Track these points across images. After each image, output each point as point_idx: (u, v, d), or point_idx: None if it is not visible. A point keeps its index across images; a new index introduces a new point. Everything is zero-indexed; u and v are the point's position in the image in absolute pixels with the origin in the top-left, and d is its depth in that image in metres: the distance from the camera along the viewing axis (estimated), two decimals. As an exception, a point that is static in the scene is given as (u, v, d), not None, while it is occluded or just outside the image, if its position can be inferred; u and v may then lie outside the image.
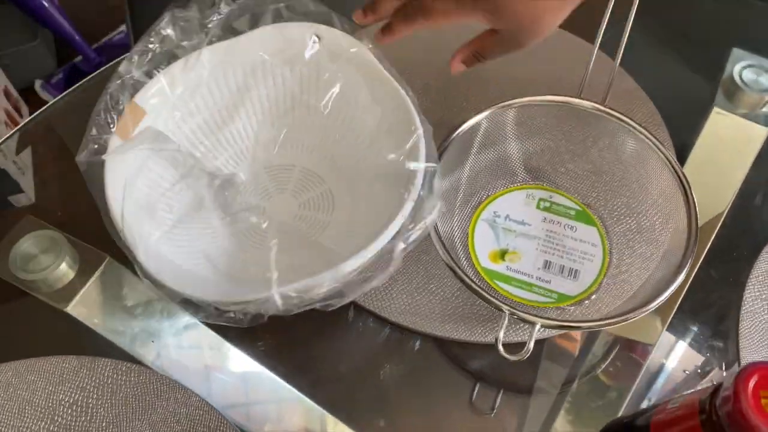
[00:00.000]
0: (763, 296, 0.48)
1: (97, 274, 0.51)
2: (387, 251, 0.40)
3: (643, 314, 0.41)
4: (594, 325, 0.41)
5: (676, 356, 0.49)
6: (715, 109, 0.60)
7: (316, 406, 0.46)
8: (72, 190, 0.57)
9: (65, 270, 0.50)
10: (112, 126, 0.45)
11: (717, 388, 0.25)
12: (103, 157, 0.41)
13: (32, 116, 0.60)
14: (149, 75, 0.47)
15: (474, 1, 0.41)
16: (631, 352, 0.50)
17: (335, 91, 0.50)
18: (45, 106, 0.60)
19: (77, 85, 0.61)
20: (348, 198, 0.50)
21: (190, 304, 0.42)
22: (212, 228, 0.44)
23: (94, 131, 0.42)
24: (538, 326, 0.40)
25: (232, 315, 0.42)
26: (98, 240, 0.52)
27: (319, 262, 0.39)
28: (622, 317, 0.41)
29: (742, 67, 0.61)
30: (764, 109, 0.60)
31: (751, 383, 0.23)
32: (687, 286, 0.50)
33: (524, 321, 0.41)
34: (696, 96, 0.63)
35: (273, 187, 0.52)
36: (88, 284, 0.51)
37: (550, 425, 0.46)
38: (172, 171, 0.44)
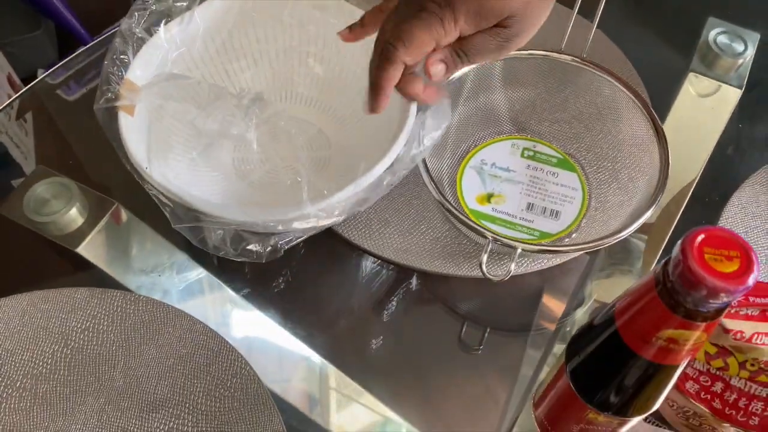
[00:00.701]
0: (733, 236, 0.52)
1: (105, 219, 0.54)
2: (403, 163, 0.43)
3: (615, 240, 0.44)
4: (571, 249, 0.45)
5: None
6: (692, 73, 0.64)
7: (313, 352, 0.48)
8: (76, 149, 0.60)
9: (75, 215, 0.53)
10: (121, 76, 0.48)
11: (668, 260, 0.28)
12: (117, 104, 0.44)
13: (29, 85, 0.62)
14: (149, 32, 0.50)
15: (450, 4, 0.35)
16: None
17: (324, 41, 0.53)
18: (38, 79, 0.63)
19: (68, 59, 0.64)
20: (342, 135, 0.54)
21: (208, 243, 0.44)
22: (246, 141, 0.46)
23: (105, 83, 0.46)
24: (519, 250, 0.43)
25: (251, 249, 0.44)
26: (107, 190, 0.55)
27: (343, 174, 0.42)
28: (596, 242, 0.44)
29: (717, 33, 0.65)
30: (737, 72, 0.63)
31: (696, 242, 0.26)
32: (668, 236, 0.54)
33: (506, 246, 0.44)
34: (673, 61, 0.67)
35: (266, 136, 0.55)
36: (97, 228, 0.54)
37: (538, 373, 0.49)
38: (191, 107, 0.47)
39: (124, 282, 0.51)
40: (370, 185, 0.41)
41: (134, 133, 0.44)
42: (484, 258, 0.43)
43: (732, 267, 0.25)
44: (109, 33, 0.63)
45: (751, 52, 0.64)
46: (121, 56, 0.46)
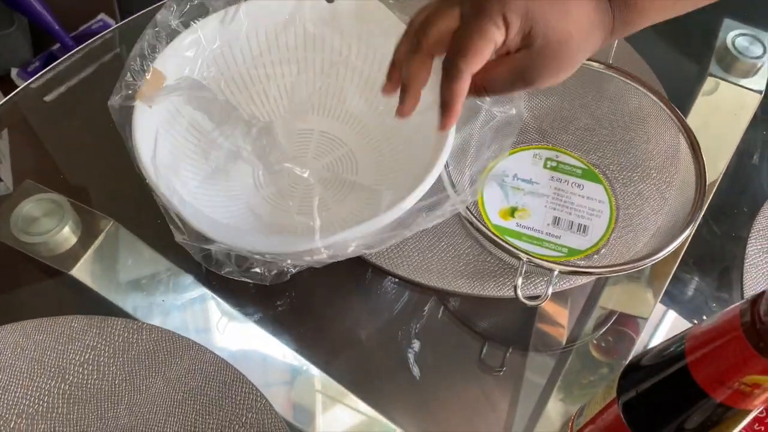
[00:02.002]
0: (765, 249, 0.50)
1: (101, 238, 0.50)
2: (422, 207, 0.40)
3: (654, 262, 0.42)
4: (606, 271, 0.42)
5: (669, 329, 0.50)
6: (710, 77, 0.62)
7: (330, 379, 0.46)
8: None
9: (67, 234, 0.49)
10: (146, 72, 0.44)
11: (758, 296, 0.25)
12: (135, 102, 0.40)
13: (8, 97, 0.58)
14: (186, 25, 0.46)
15: (499, 7, 0.34)
16: (624, 326, 0.50)
17: (370, 56, 0.50)
18: (19, 88, 0.58)
19: (51, 66, 0.60)
20: (373, 159, 0.51)
21: (212, 260, 0.41)
22: (253, 178, 0.43)
23: (128, 77, 0.41)
24: (556, 272, 0.41)
25: (257, 271, 0.41)
26: (102, 207, 0.52)
27: (359, 213, 0.39)
28: (634, 264, 0.42)
29: (734, 35, 0.63)
30: (756, 75, 0.61)
31: (798, 283, 0.23)
32: (685, 248, 0.51)
33: (542, 267, 0.41)
34: (689, 65, 0.65)
35: (294, 149, 0.52)
36: (92, 248, 0.50)
37: (545, 401, 0.47)
38: (206, 120, 0.44)
39: (123, 306, 0.47)
40: (390, 224, 0.38)
41: (148, 137, 0.41)
42: (519, 281, 0.41)
43: (839, 310, 0.23)
44: (88, 30, 0.60)
45: (770, 55, 0.62)
46: (151, 49, 0.42)
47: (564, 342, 0.48)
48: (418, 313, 0.48)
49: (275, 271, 0.41)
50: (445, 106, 0.37)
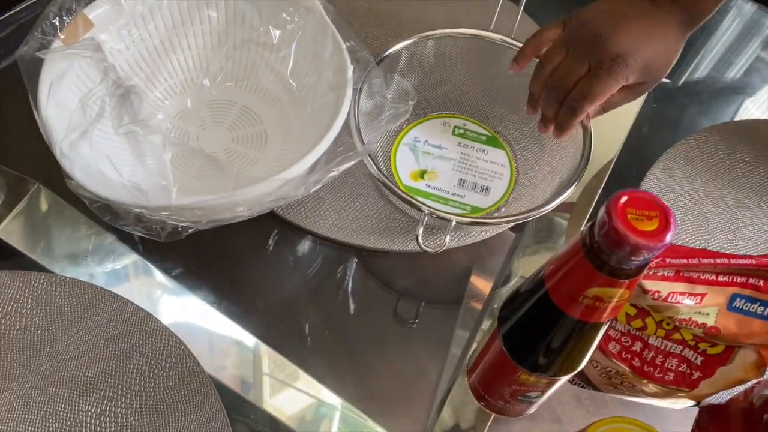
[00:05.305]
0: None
1: (25, 200, 0.52)
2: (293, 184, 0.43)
3: (542, 213, 0.46)
4: (501, 222, 0.46)
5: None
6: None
7: (248, 333, 0.48)
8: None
9: (-9, 196, 0.51)
10: (59, 29, 0.45)
11: (594, 222, 0.29)
12: (41, 54, 0.42)
13: None
14: None
15: (625, 70, 0.45)
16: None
17: (290, 35, 0.53)
18: None
19: None
20: (281, 141, 0.53)
21: (109, 211, 0.43)
22: (114, 135, 0.46)
23: (40, 31, 0.43)
24: (453, 222, 0.44)
25: (152, 227, 0.43)
26: (28, 171, 0.53)
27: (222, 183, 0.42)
28: (524, 215, 0.46)
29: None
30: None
31: (620, 203, 0.27)
32: (589, 214, 0.56)
33: (441, 218, 0.45)
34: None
35: (210, 118, 0.54)
36: (16, 210, 0.51)
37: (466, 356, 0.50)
38: (94, 77, 0.46)
39: (48, 266, 0.49)
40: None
41: (47, 88, 0.43)
42: (420, 231, 0.44)
43: (652, 226, 0.27)
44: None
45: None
46: (68, 11, 0.44)
47: (484, 305, 0.52)
48: (337, 271, 0.51)
49: (170, 230, 0.44)
50: (562, 129, 0.49)
